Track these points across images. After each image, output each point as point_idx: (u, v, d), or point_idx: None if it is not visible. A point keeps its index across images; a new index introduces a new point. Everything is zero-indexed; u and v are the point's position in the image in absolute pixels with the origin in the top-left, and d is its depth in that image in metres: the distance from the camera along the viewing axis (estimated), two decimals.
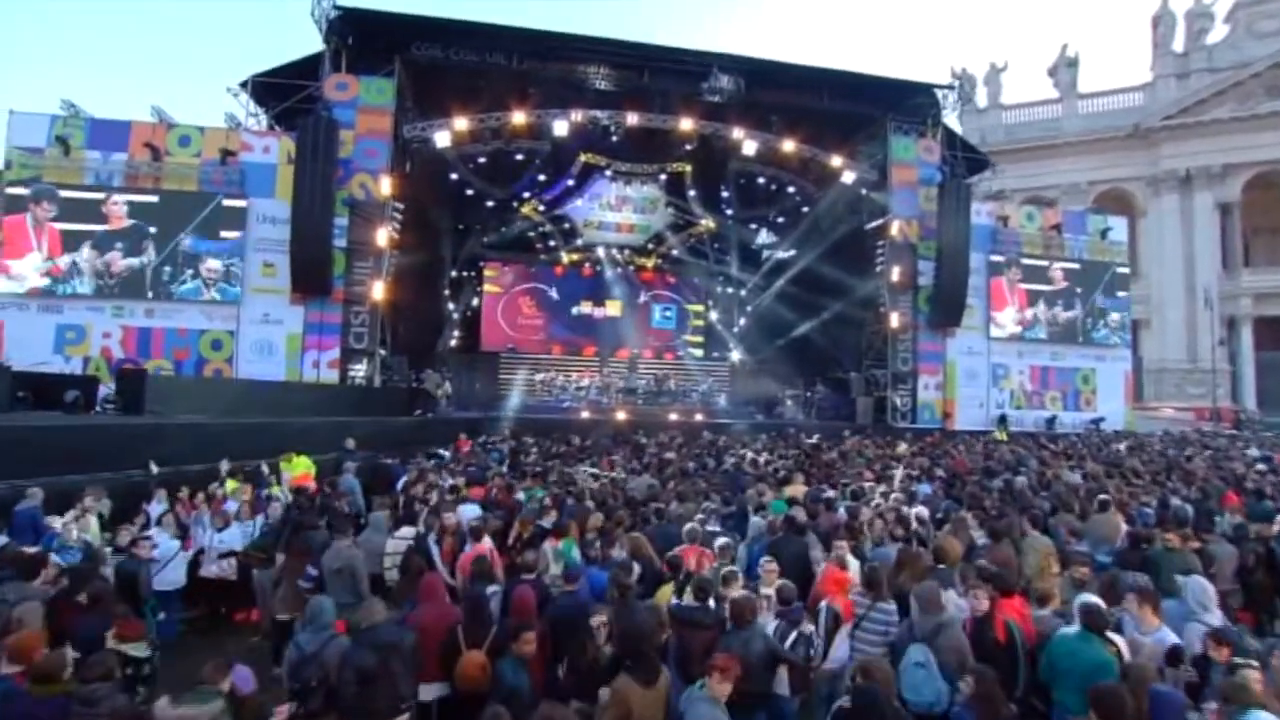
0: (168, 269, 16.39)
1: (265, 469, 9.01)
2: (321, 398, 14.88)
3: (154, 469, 8.09)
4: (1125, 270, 22.46)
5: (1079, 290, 21.47)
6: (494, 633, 4.49)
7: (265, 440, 10.64)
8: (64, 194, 15.88)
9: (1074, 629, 4.27)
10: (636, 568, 5.80)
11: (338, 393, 15.83)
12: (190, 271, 16.45)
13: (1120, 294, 22.00)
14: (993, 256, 20.80)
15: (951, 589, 5.10)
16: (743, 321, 28.72)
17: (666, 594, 4.95)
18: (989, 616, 4.45)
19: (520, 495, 8.67)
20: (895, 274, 20.06)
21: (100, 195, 16.14)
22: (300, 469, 9.81)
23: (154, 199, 16.39)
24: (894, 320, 20.08)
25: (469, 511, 7.74)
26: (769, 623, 4.41)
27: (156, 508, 7.61)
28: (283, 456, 10.05)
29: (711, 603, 4.50)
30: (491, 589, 5.30)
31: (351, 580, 5.80)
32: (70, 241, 15.94)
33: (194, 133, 16.88)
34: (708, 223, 25.47)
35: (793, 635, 4.21)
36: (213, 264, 16.58)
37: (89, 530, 6.74)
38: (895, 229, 20.16)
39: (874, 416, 20.37)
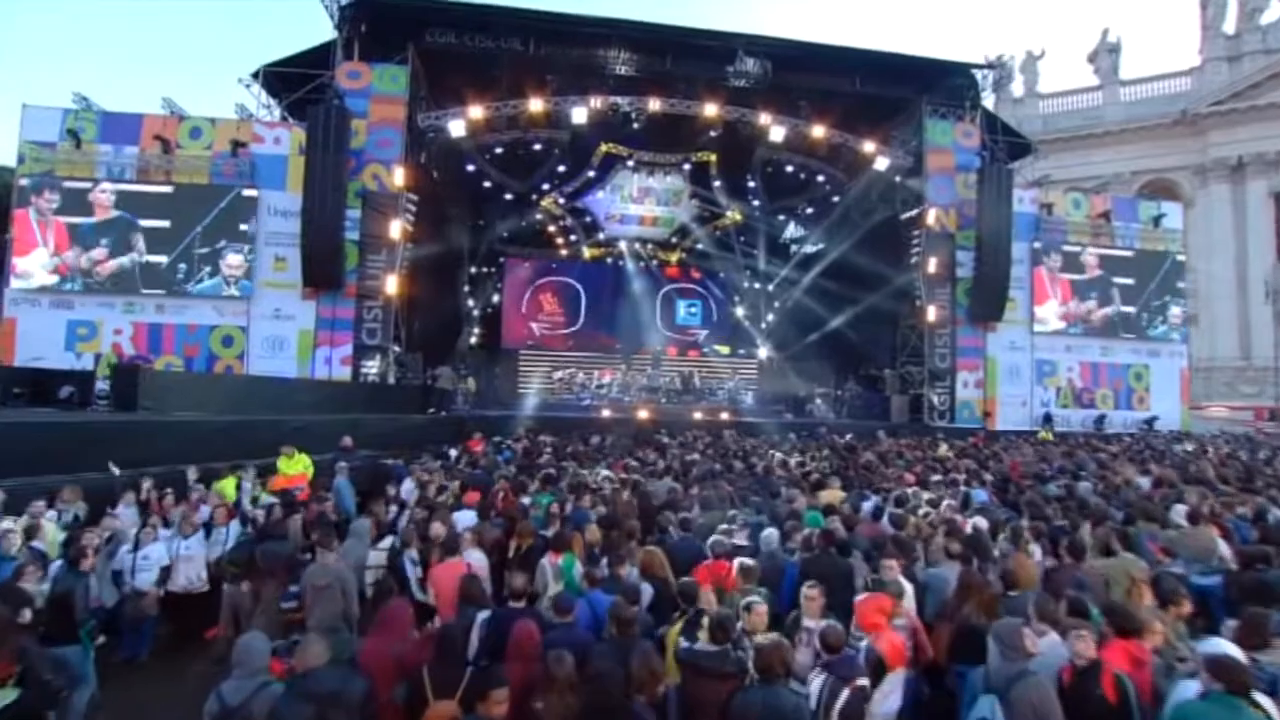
0: (183, 266, 15.87)
1: (247, 473, 8.22)
2: (330, 395, 14.21)
3: (115, 470, 7.36)
4: (1183, 258, 20.88)
5: (1132, 281, 19.98)
6: (468, 677, 3.61)
7: (263, 438, 9.92)
8: (68, 184, 15.46)
9: (1198, 689, 3.23)
10: (648, 591, 4.88)
11: (348, 390, 15.16)
12: (209, 269, 15.92)
13: (1179, 284, 20.43)
14: (1036, 246, 19.46)
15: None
16: (770, 317, 27.60)
17: (674, 634, 4.00)
18: (1094, 666, 3.44)
19: (526, 500, 7.81)
20: (932, 265, 18.87)
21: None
22: (299, 467, 9.06)
23: (168, 189, 15.91)
24: (931, 314, 18.87)
25: (465, 519, 6.91)
26: (814, 678, 3.42)
27: (125, 512, 6.90)
28: (284, 451, 9.34)
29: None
30: (483, 615, 4.43)
31: (341, 600, 4.96)
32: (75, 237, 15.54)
33: (205, 125, 16.39)
34: (734, 215, 24.44)
35: (844, 695, 3.23)
36: (234, 259, 16.05)
37: (45, 538, 6.02)
38: (932, 218, 18.97)
39: (909, 416, 19.20)
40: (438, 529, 6.03)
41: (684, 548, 5.94)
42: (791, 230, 27.29)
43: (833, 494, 8.44)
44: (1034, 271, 19.36)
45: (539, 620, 4.21)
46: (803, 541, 5.41)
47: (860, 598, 4.47)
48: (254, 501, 7.68)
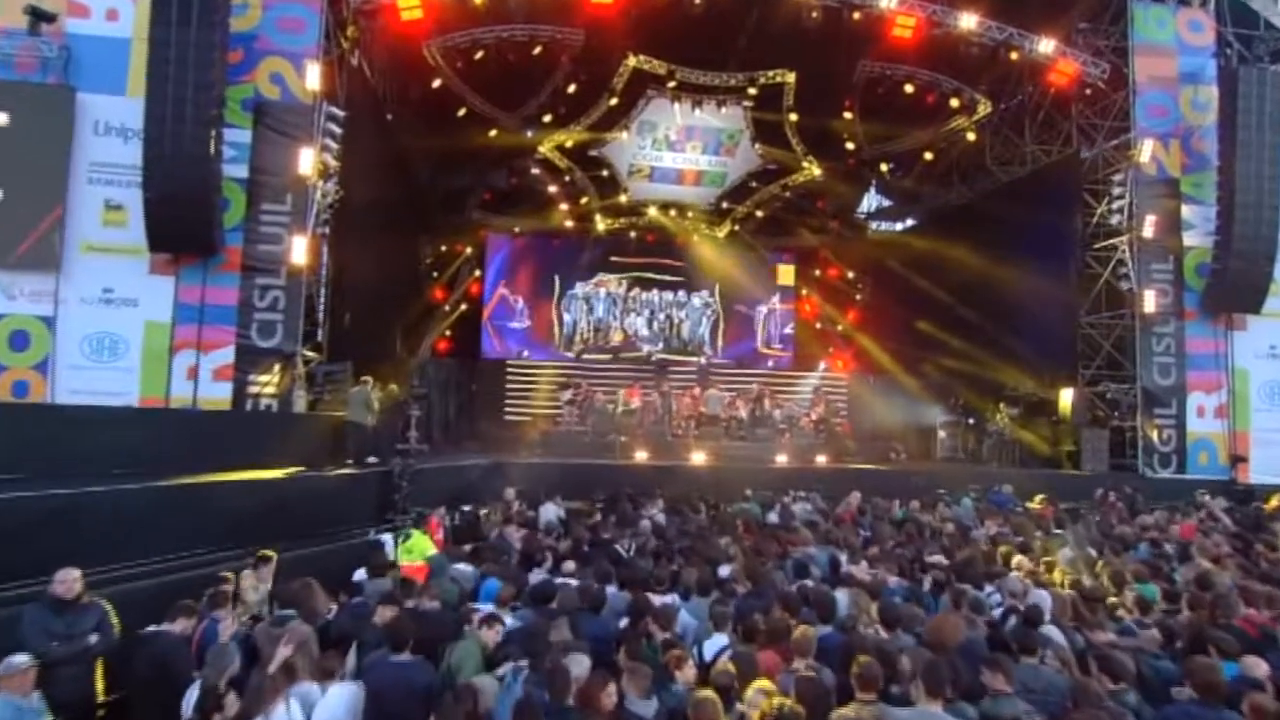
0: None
1: None
2: (157, 436, 8.75)
3: None
4: None
5: None
6: None
7: None
8: None
9: None
10: None
11: (206, 426, 9.77)
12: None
13: None
14: None
15: None
16: (866, 311, 22.33)
17: None
18: None
19: None
20: (1147, 227, 13.62)
21: None
22: None
23: None
24: (1147, 303, 13.50)
25: None
26: None
27: None
28: None
29: None
30: None
31: None
32: None
33: None
34: (812, 167, 19.17)
35: None
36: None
37: None
38: (1144, 153, 13.70)
39: (1109, 460, 13.86)
40: None
41: None
42: (870, 199, 22.35)
43: None
44: None
45: None
46: None
47: None
48: None
